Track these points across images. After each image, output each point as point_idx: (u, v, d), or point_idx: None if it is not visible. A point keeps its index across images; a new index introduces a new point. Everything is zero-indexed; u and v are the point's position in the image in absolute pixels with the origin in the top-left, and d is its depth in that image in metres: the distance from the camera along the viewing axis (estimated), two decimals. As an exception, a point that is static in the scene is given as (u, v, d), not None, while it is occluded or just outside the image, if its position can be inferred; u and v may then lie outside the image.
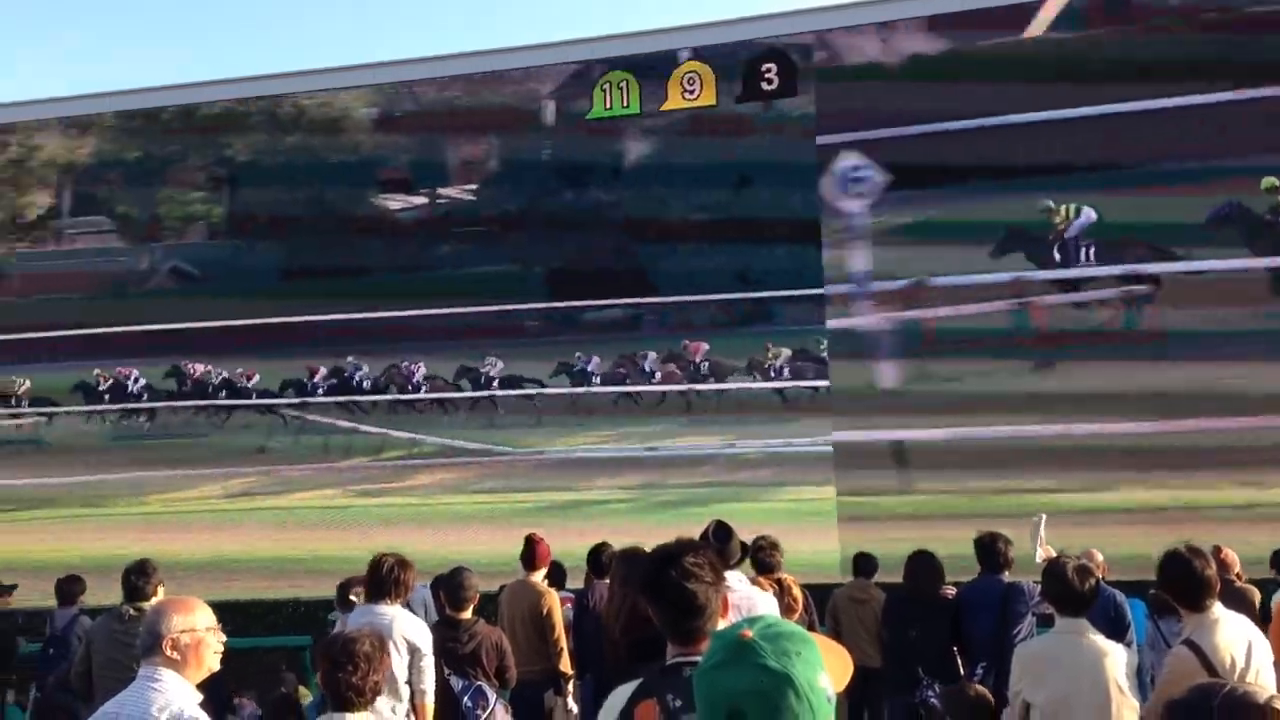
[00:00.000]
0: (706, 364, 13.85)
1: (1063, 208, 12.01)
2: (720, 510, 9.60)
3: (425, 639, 5.88)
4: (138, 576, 6.24)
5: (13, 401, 16.17)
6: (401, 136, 14.95)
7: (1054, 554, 7.06)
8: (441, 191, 14.94)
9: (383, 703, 5.52)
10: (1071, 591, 4.40)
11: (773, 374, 13.60)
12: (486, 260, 14.57)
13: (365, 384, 14.83)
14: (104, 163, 15.83)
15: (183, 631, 3.38)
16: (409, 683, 5.77)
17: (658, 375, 14.02)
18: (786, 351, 13.63)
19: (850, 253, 12.85)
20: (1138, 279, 12.08)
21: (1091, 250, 11.94)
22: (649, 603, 2.96)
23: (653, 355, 14.04)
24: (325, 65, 15.42)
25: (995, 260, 12.24)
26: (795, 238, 13.48)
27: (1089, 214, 11.91)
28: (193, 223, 15.60)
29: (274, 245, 15.18)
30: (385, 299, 14.43)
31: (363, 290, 14.66)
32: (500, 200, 14.67)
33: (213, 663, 3.44)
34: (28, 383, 16.19)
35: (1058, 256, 11.89)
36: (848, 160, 12.67)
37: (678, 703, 2.67)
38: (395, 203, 15.00)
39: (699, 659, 2.67)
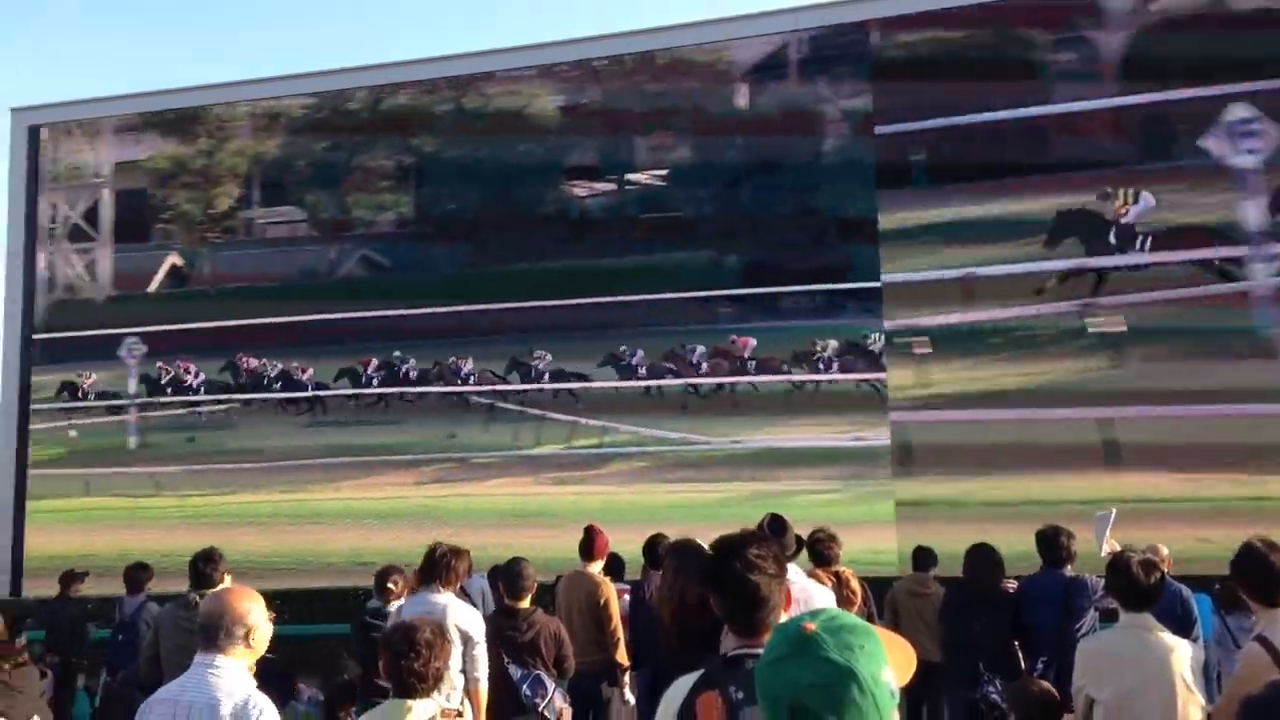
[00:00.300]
0: (754, 362, 13.76)
1: (1121, 191, 11.82)
2: (776, 505, 9.63)
3: (478, 627, 5.93)
4: (205, 564, 6.38)
5: (79, 394, 16.51)
6: (586, 123, 14.83)
7: (1118, 549, 6.96)
8: (630, 178, 14.75)
9: (445, 688, 5.61)
10: (1136, 586, 4.33)
11: (821, 367, 13.48)
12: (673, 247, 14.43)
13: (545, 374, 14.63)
14: (292, 154, 16.00)
15: (238, 620, 3.48)
16: (463, 671, 5.83)
17: (704, 367, 13.94)
18: (834, 343, 13.49)
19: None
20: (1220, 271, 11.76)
21: (1149, 240, 11.71)
22: (712, 593, 2.97)
23: (700, 349, 13.97)
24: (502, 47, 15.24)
25: (1051, 249, 12.07)
26: (849, 232, 13.44)
27: (1148, 199, 11.70)
28: (382, 213, 15.66)
29: (460, 235, 15.16)
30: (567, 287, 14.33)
31: (547, 279, 14.54)
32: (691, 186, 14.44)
33: (263, 649, 3.52)
34: (93, 376, 16.51)
35: (1114, 241, 11.67)
36: (1236, 112, 11.72)
37: (740, 694, 2.66)
38: (582, 190, 14.93)
39: (761, 651, 2.68)
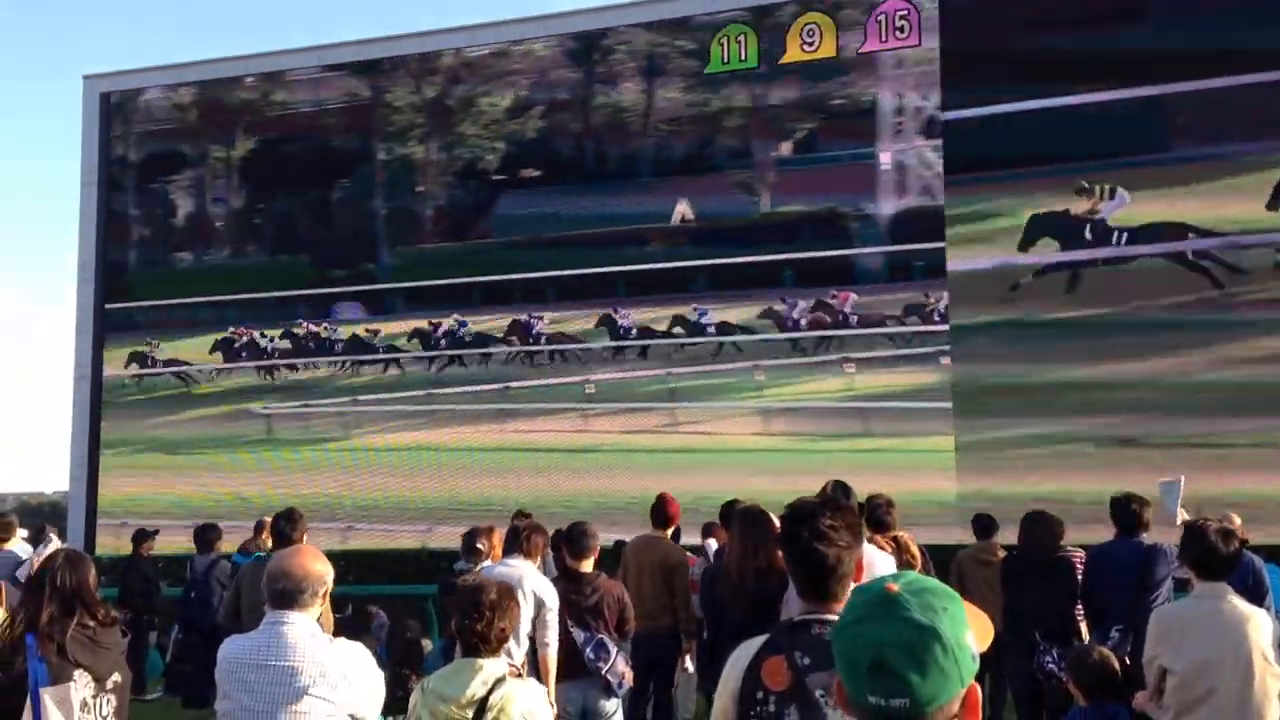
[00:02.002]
0: (855, 316, 13.51)
1: (1098, 187, 11.77)
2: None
3: (551, 595, 6.02)
4: (286, 523, 6.54)
5: (148, 362, 16.83)
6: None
7: (1189, 517, 6.85)
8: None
9: (510, 647, 5.70)
10: (1215, 555, 4.26)
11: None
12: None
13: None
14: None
15: (318, 579, 3.56)
16: (531, 636, 5.91)
17: (804, 323, 13.81)
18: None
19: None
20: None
21: (1125, 236, 11.68)
22: (785, 557, 2.97)
23: (801, 304, 13.84)
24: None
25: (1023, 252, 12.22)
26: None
27: (1124, 196, 11.63)
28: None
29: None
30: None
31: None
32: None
33: (326, 606, 3.62)
34: (159, 344, 16.80)
35: (1089, 237, 11.65)
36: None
37: (806, 660, 2.67)
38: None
39: (829, 618, 2.70)
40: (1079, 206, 11.97)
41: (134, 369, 16.77)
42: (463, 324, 15.38)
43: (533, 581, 5.99)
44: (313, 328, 16.03)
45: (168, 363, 16.71)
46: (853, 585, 2.76)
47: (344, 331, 15.95)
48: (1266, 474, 11.05)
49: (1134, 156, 12.04)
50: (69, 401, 16.74)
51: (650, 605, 7.17)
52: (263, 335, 16.24)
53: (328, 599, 3.64)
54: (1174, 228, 11.70)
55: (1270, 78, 11.39)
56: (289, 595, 3.53)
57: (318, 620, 3.56)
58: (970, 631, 1.68)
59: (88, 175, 17.03)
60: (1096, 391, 11.90)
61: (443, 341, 15.44)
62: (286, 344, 16.18)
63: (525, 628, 5.87)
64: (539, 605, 5.95)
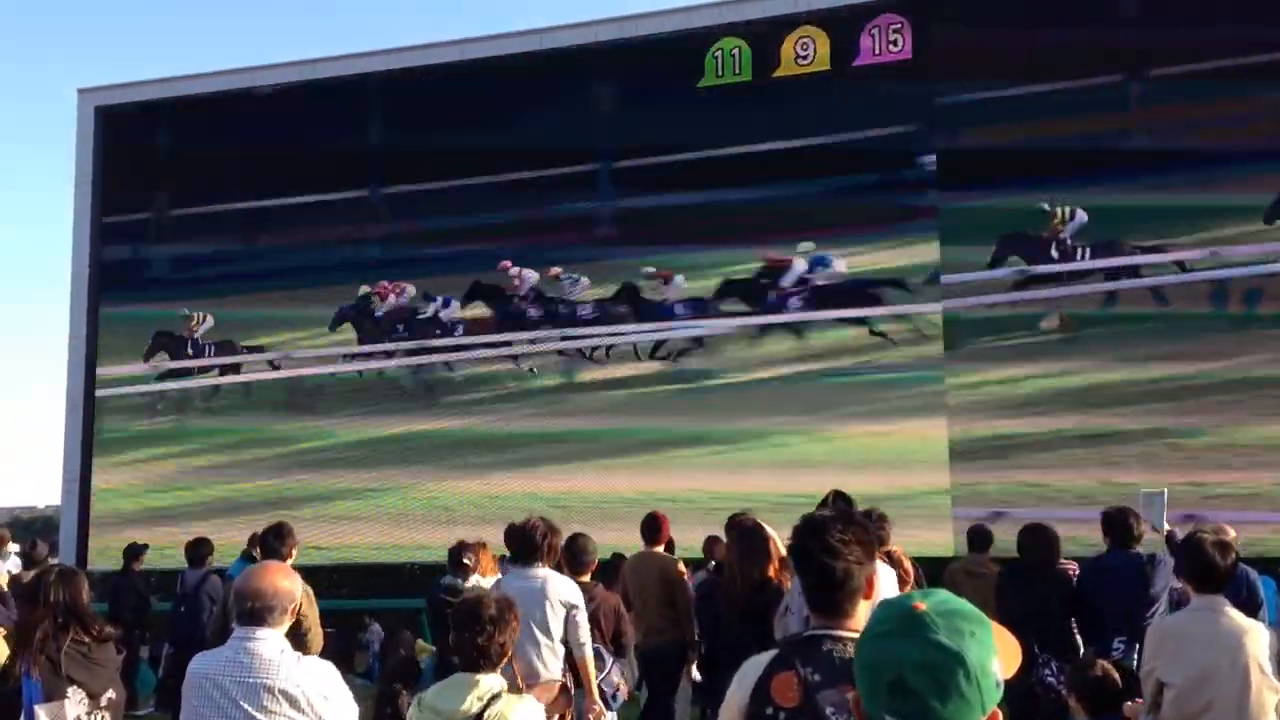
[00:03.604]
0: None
1: (1059, 209, 12.42)
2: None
3: (577, 596, 5.93)
4: (274, 539, 6.48)
5: (190, 345, 16.47)
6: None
7: (1170, 529, 6.88)
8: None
9: (547, 656, 5.69)
10: (1212, 568, 4.27)
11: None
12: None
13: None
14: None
15: (274, 595, 3.61)
16: (564, 640, 5.84)
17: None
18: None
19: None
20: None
21: (1088, 251, 12.41)
22: (796, 570, 2.94)
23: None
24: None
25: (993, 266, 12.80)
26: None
27: (1081, 215, 12.37)
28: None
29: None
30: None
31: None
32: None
33: (316, 623, 3.64)
34: (209, 319, 16.30)
35: (1055, 255, 12.44)
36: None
37: (816, 676, 2.63)
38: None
39: (839, 633, 2.67)
40: (1041, 228, 12.66)
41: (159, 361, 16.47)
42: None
43: (557, 587, 5.87)
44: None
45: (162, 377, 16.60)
46: (864, 601, 2.75)
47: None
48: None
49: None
50: (62, 414, 16.71)
51: (654, 621, 7.19)
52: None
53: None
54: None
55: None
56: (258, 613, 3.57)
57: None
58: (997, 658, 1.65)
59: (82, 186, 17.02)
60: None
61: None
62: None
63: (559, 632, 5.79)
64: (569, 608, 5.84)
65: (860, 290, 13.44)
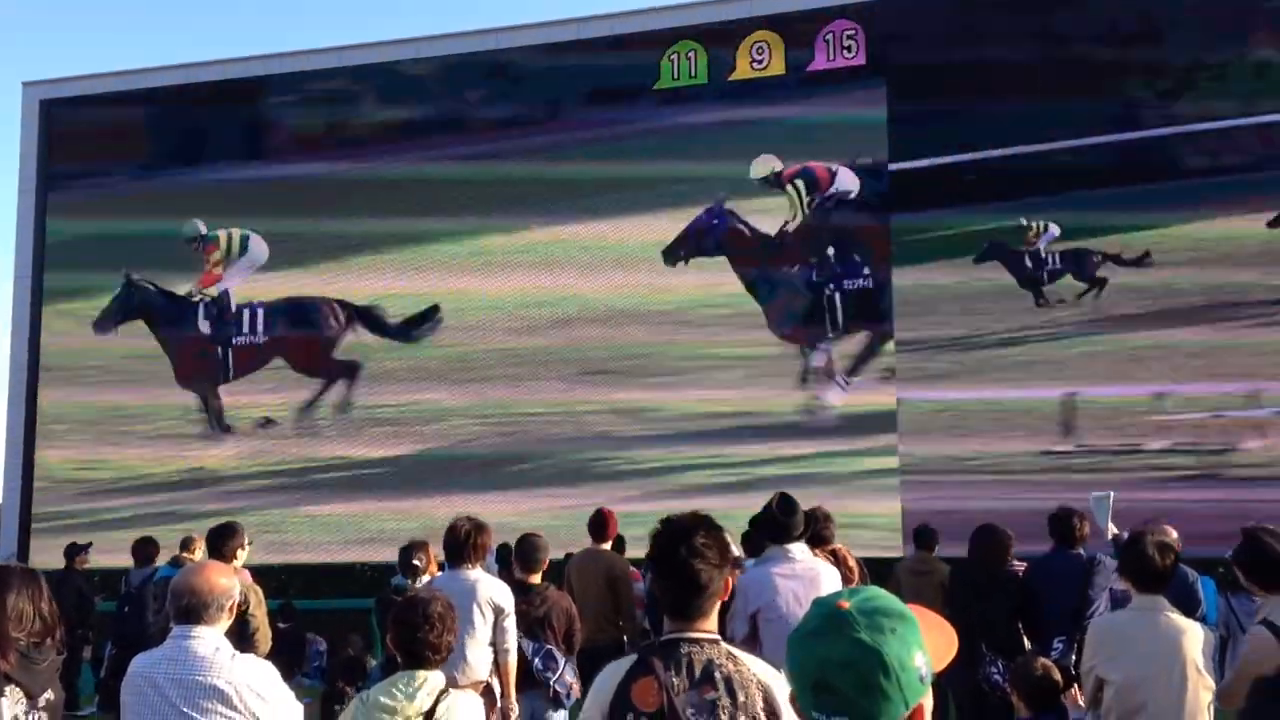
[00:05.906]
0: None
1: (1034, 223, 13.67)
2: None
3: (508, 600, 5.93)
4: (218, 538, 6.37)
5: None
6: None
7: (1117, 530, 7.00)
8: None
9: (472, 656, 5.66)
10: (1152, 568, 4.33)
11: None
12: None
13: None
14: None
15: (224, 593, 3.61)
16: (492, 643, 5.83)
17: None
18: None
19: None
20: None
21: (1058, 258, 13.68)
22: (654, 576, 2.93)
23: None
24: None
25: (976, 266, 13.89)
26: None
27: (1054, 229, 13.65)
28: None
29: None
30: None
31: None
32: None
33: (264, 623, 3.65)
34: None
35: (1029, 264, 13.71)
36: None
37: (675, 679, 2.64)
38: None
39: (695, 635, 2.69)
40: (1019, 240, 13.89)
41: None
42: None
43: (489, 589, 5.87)
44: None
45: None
46: (720, 603, 2.80)
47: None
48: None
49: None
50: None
51: (595, 618, 7.15)
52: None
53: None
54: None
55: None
56: (194, 610, 3.55)
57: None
58: (921, 652, 1.67)
59: (25, 183, 16.71)
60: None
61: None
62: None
63: (487, 636, 5.79)
64: (498, 612, 5.84)
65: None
